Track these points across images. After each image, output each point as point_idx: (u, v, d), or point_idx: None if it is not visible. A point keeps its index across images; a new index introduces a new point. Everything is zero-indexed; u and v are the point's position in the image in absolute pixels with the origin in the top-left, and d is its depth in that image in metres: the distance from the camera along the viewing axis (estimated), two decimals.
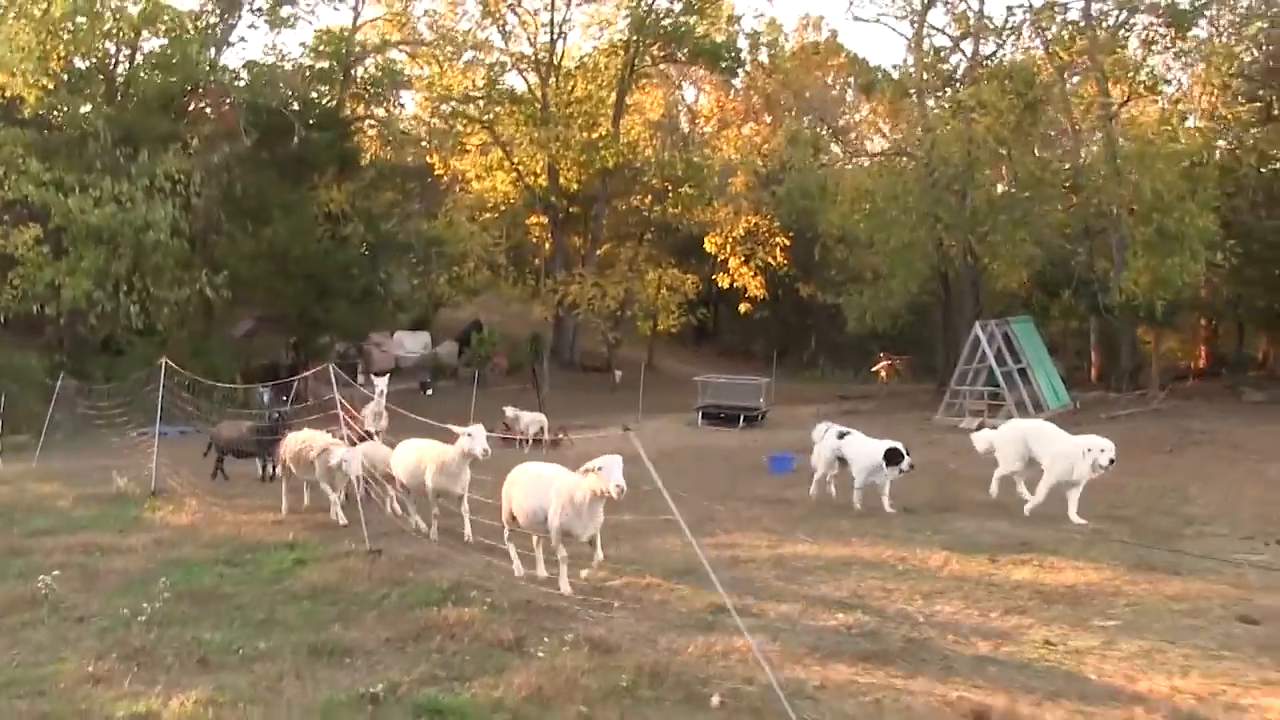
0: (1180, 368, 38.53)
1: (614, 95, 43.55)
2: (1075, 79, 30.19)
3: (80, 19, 30.03)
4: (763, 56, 48.44)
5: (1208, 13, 28.50)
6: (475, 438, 9.79)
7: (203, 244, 32.56)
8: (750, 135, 51.43)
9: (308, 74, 38.22)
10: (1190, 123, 29.08)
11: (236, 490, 14.50)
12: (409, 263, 39.30)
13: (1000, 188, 27.92)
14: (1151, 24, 29.07)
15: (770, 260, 44.25)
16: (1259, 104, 27.75)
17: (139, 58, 34.07)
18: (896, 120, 37.24)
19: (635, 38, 41.80)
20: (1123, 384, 30.15)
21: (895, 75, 33.45)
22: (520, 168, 43.30)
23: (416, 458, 10.61)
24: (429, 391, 34.19)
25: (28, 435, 22.04)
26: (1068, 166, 28.82)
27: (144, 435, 16.42)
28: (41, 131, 30.06)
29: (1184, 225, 24.92)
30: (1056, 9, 29.43)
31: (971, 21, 31.97)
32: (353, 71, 39.85)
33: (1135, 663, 6.43)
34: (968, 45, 32.38)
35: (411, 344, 41.51)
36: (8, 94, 28.84)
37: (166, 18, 33.10)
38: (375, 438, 14.25)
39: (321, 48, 38.52)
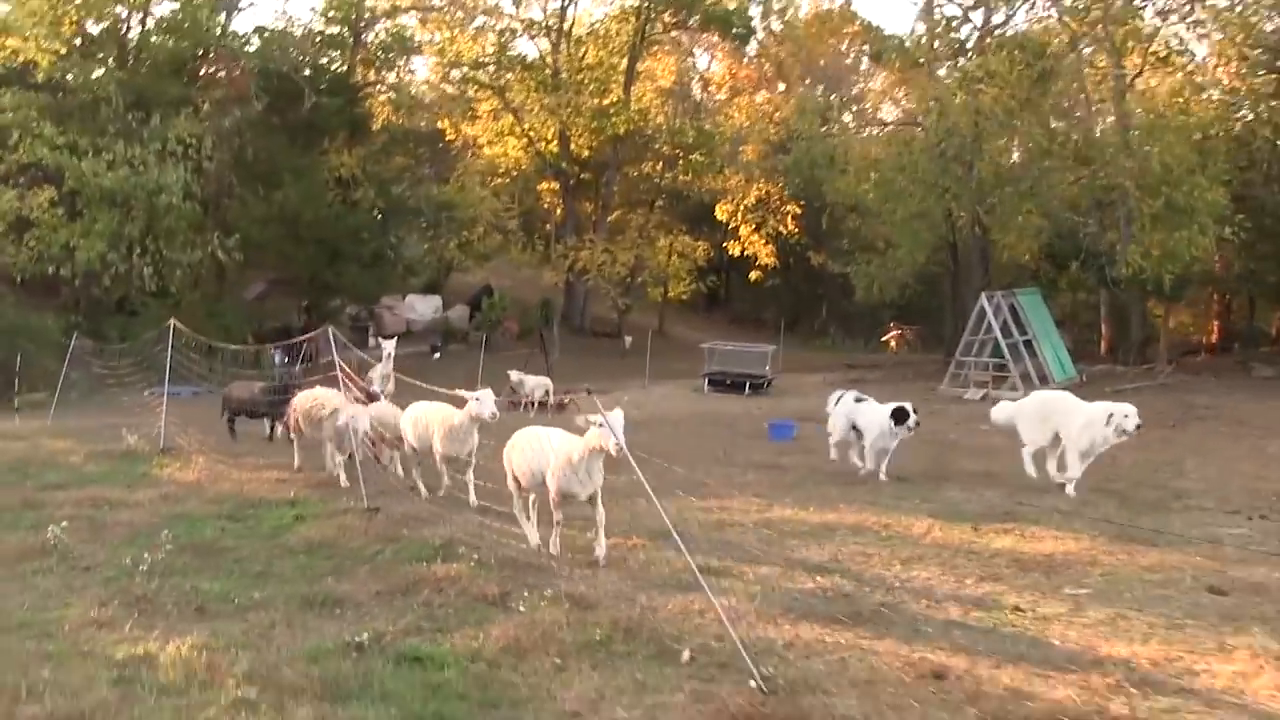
0: (1192, 342, 38.54)
1: (625, 61, 43.43)
2: (1089, 50, 30.00)
3: None
4: (775, 24, 48.21)
5: None
6: (484, 402, 9.86)
7: (214, 207, 32.83)
8: (762, 103, 51.25)
9: (318, 39, 38.30)
10: (1207, 95, 28.81)
11: (244, 449, 14.78)
12: (419, 227, 39.49)
13: (1010, 159, 27.82)
14: None
15: (781, 229, 44.21)
16: (1276, 75, 27.51)
17: (150, 22, 34.20)
18: (907, 90, 37.07)
19: (646, 3, 41.61)
20: (1130, 358, 30.24)
21: (907, 44, 33.21)
22: (531, 134, 43.31)
23: (425, 421, 10.69)
24: (437, 355, 34.45)
25: (44, 393, 22.40)
26: (1076, 139, 28.71)
27: (155, 394, 16.69)
28: (55, 95, 30.36)
29: (1193, 199, 24.88)
30: None
31: None
32: (363, 37, 39.88)
33: (1100, 629, 6.62)
34: (979, 15, 32.17)
35: (423, 307, 41.74)
36: (21, 59, 29.12)
37: None
38: (382, 399, 14.48)
39: (332, 13, 38.54)
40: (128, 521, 9.75)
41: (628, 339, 38.89)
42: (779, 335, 37.20)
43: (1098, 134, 29.29)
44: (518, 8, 43.23)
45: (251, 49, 34.70)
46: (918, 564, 8.27)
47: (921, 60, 32.33)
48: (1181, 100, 28.00)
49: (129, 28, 33.93)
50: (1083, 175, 27.57)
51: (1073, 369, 27.71)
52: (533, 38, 43.94)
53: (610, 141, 42.52)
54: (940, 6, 33.10)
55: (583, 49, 43.48)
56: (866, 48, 47.28)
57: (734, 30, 43.66)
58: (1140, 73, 30.36)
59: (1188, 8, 28.59)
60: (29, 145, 27.85)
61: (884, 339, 41.58)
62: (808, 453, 15.88)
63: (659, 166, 45.38)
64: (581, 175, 44.85)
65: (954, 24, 33.31)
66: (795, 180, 36.70)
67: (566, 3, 43.01)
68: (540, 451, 8.47)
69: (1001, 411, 12.86)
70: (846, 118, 43.83)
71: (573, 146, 43.27)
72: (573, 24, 43.66)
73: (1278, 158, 28.33)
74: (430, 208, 39.00)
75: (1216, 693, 5.54)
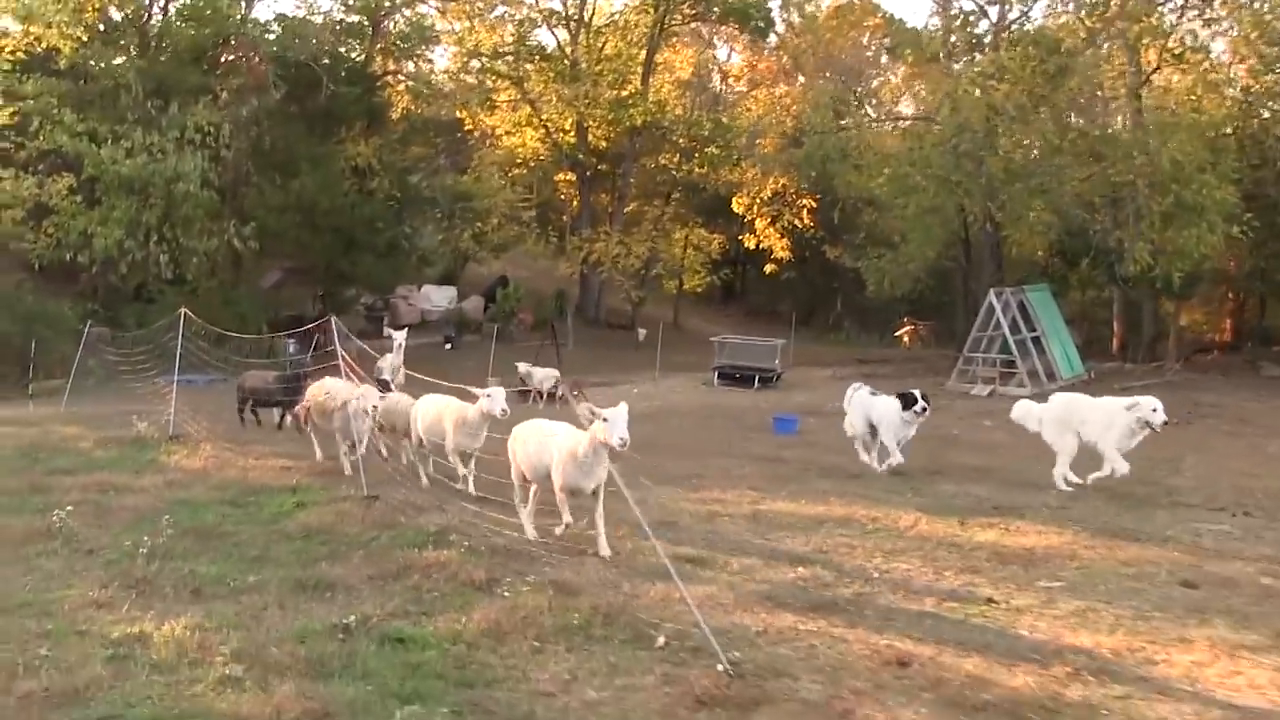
0: (1204, 340, 38.49)
1: (644, 53, 43.54)
2: (1105, 46, 29.98)
3: None
4: (795, 17, 48.16)
5: None
6: (495, 398, 9.85)
7: (232, 195, 33.08)
8: (780, 96, 51.19)
9: (337, 28, 38.51)
10: (1221, 93, 28.79)
11: (252, 437, 15.03)
12: (434, 218, 39.72)
13: (1021, 155, 27.83)
14: None
15: (797, 222, 44.24)
16: None
17: (172, 9, 34.48)
18: (922, 85, 37.09)
19: None
20: (1140, 355, 30.26)
21: (923, 39, 33.22)
22: (549, 124, 43.49)
23: (436, 414, 10.75)
24: (448, 346, 34.71)
25: (60, 380, 22.68)
26: (1089, 135, 28.71)
27: (167, 382, 16.95)
28: (76, 83, 30.63)
29: (1202, 197, 24.89)
30: None
31: None
32: (382, 26, 40.09)
33: (1069, 621, 6.79)
34: (995, 10, 32.19)
35: (438, 298, 42.00)
36: (43, 45, 29.42)
37: None
38: (392, 389, 14.69)
39: (351, 2, 38.76)
40: (132, 506, 10.00)
41: (641, 331, 39.00)
42: (791, 329, 37.30)
43: (1110, 131, 29.27)
44: None
45: (271, 37, 34.97)
46: (900, 556, 8.44)
47: (938, 55, 32.32)
48: (1194, 98, 27.98)
49: (150, 15, 34.26)
50: (1094, 172, 27.57)
51: (1081, 366, 27.77)
52: (552, 28, 44.15)
53: (627, 133, 42.58)
54: (957, 1, 33.23)
55: (602, 40, 43.59)
56: (887, 41, 47.22)
57: (753, 23, 43.70)
58: (1157, 68, 30.35)
59: (1204, 3, 28.55)
60: (49, 132, 28.17)
61: (898, 334, 41.62)
62: (810, 446, 16.06)
63: (676, 158, 45.42)
64: (598, 166, 44.93)
65: (971, 19, 33.41)
66: (809, 174, 36.71)
67: None
68: (544, 446, 8.49)
69: (1021, 409, 12.69)
70: (868, 110, 43.71)
71: (590, 138, 43.37)
72: (593, 14, 43.80)
73: None
74: (446, 198, 39.25)
75: (1171, 681, 5.72)
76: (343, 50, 38.31)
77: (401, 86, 42.79)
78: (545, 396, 23.00)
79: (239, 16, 34.11)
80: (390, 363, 19.77)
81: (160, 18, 34.22)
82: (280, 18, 36.57)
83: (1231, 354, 34.10)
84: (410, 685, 5.40)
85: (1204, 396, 24.52)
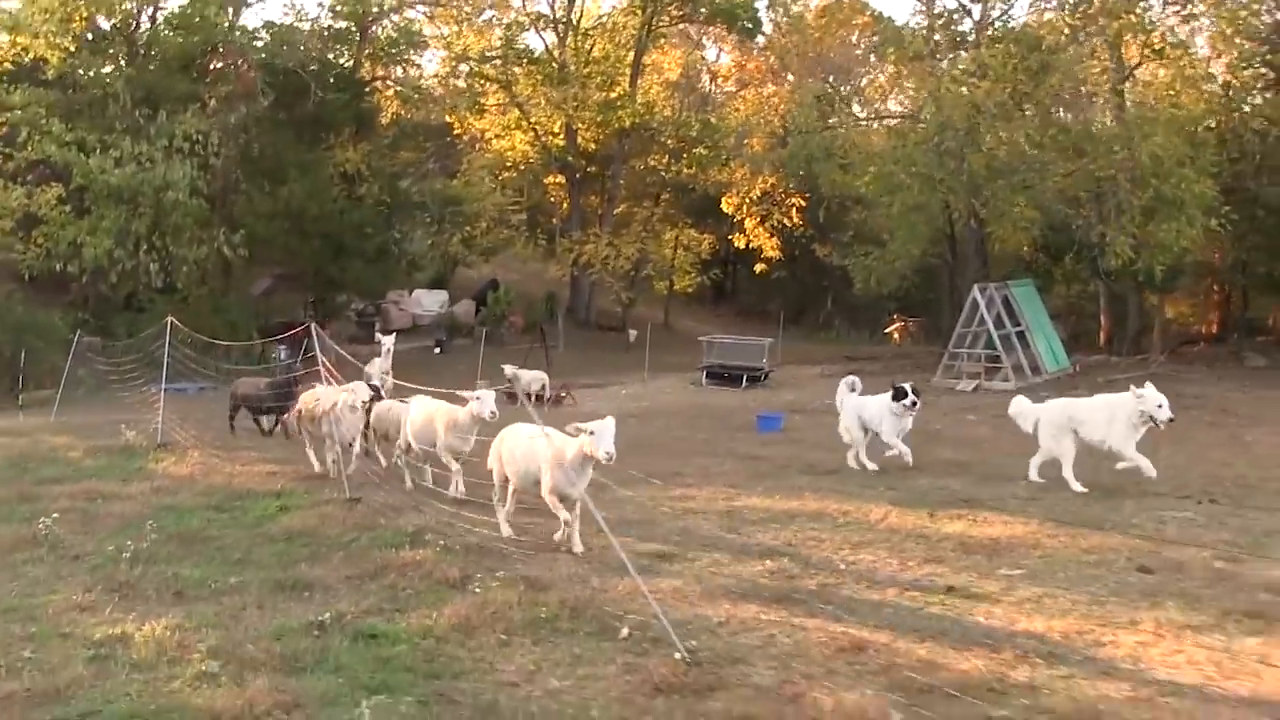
0: (1192, 333, 38.75)
1: (632, 55, 43.77)
2: (1088, 43, 30.20)
3: None
4: (781, 17, 48.27)
5: None
6: (484, 401, 9.91)
7: (221, 203, 33.30)
8: (769, 96, 51.39)
9: (325, 34, 38.71)
10: (1198, 89, 29.06)
11: (239, 443, 15.24)
12: (423, 222, 39.93)
13: (1002, 152, 28.04)
14: None
15: (786, 221, 44.45)
16: (1264, 70, 27.78)
17: (160, 18, 34.69)
18: (906, 83, 37.31)
19: None
20: (1125, 348, 30.51)
21: (905, 37, 33.42)
22: (538, 127, 43.69)
23: (427, 417, 10.85)
24: (437, 350, 34.92)
25: (51, 390, 22.85)
26: (1069, 131, 28.94)
27: (156, 391, 17.13)
28: (64, 92, 30.83)
29: (1181, 191, 25.13)
30: None
31: None
32: (370, 32, 40.28)
33: (1024, 607, 6.99)
34: (978, 8, 32.43)
35: (429, 302, 42.24)
36: (31, 55, 29.60)
37: None
38: (383, 395, 14.84)
39: (339, 8, 38.95)
40: (119, 513, 10.20)
41: (632, 332, 39.21)
42: (779, 328, 37.51)
43: (1093, 128, 29.49)
44: (524, 1, 43.72)
45: (260, 45, 35.19)
46: (867, 548, 8.63)
47: (921, 53, 32.51)
48: (1173, 93, 28.23)
49: (139, 24, 34.46)
50: (1076, 168, 27.81)
51: (1066, 360, 27.97)
52: (540, 31, 44.33)
53: (616, 135, 42.86)
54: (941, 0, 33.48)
55: (590, 42, 43.81)
56: (876, 39, 47.35)
57: (740, 23, 43.90)
58: (1139, 64, 30.60)
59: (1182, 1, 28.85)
60: (37, 142, 28.41)
61: (888, 331, 41.87)
62: (792, 443, 16.24)
63: (665, 159, 45.66)
64: (588, 169, 45.16)
65: (955, 17, 33.66)
66: (796, 173, 36.91)
67: None
68: (530, 452, 8.61)
69: (1017, 406, 12.39)
70: (856, 109, 43.86)
71: (579, 140, 43.58)
72: (580, 17, 44.00)
73: (1267, 150, 28.54)
74: (435, 202, 39.48)
75: (1115, 661, 5.92)
76: (331, 57, 38.63)
77: (390, 92, 43.00)
78: (534, 399, 23.18)
79: (227, 24, 34.37)
80: (378, 367, 19.97)
81: (148, 26, 34.45)
82: (268, 25, 36.94)
83: (1217, 346, 34.33)
84: (380, 678, 5.61)
85: (1188, 388, 24.67)
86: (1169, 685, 5.53)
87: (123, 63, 32.87)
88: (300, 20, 38.40)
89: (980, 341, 26.94)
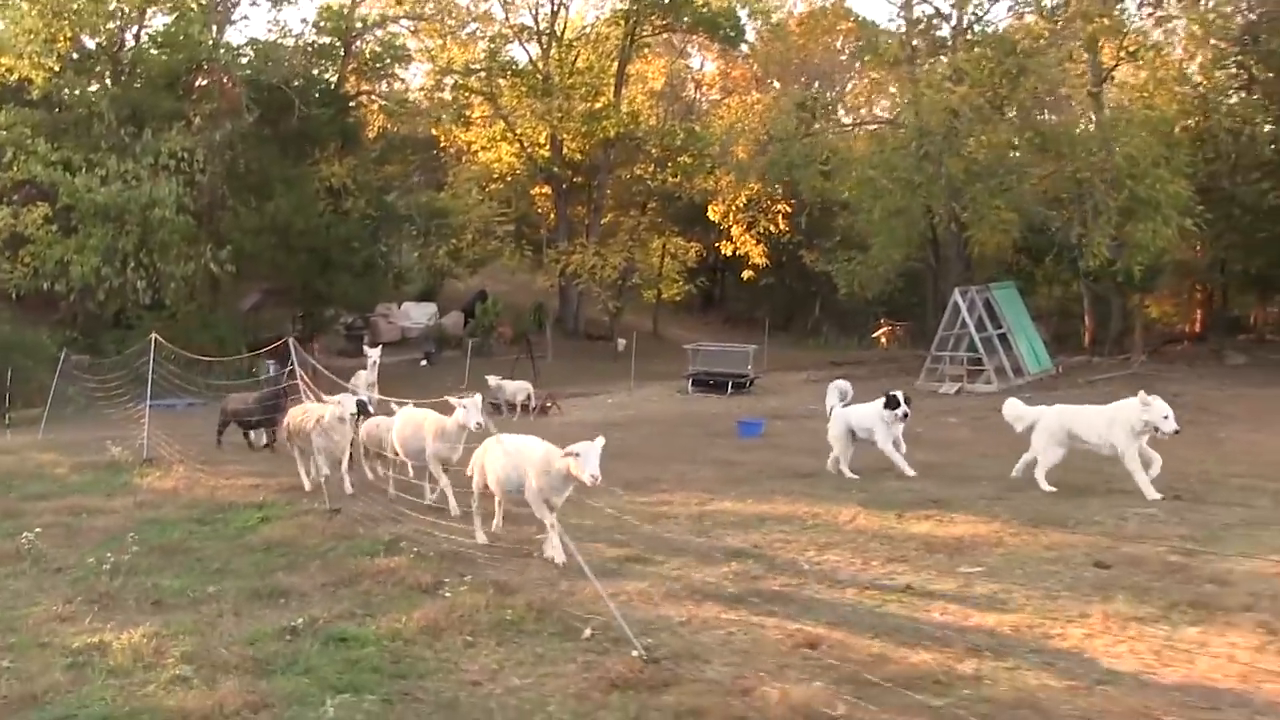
0: (1175, 332, 39.09)
1: (616, 65, 44.04)
2: (1066, 46, 30.51)
3: (83, 1, 30.70)
4: (763, 26, 48.57)
5: None
6: (470, 411, 9.92)
7: (207, 220, 33.47)
8: (753, 104, 51.66)
9: (309, 50, 38.94)
10: (1171, 90, 29.43)
11: (224, 457, 15.42)
12: (410, 235, 40.14)
13: (981, 155, 28.35)
14: None
15: (773, 228, 44.70)
16: (1237, 71, 28.15)
17: (144, 36, 34.90)
18: (885, 89, 37.65)
19: (635, 6, 42.19)
20: (1107, 348, 30.78)
21: (881, 43, 33.76)
22: (523, 139, 43.94)
23: (414, 426, 10.90)
24: (423, 362, 35.13)
25: (40, 409, 22.98)
26: (1045, 134, 29.25)
27: (142, 407, 17.27)
28: (49, 112, 31.01)
29: (1155, 191, 25.46)
30: None
31: None
32: (354, 47, 40.53)
33: (979, 603, 7.18)
34: (955, 14, 32.72)
35: (418, 314, 42.46)
36: (16, 76, 29.77)
37: None
38: (370, 409, 14.93)
39: (323, 23, 39.20)
40: (102, 527, 10.37)
41: (620, 341, 39.39)
42: (765, 334, 37.77)
43: (1067, 130, 29.81)
44: (508, 14, 43.98)
45: (244, 61, 35.39)
46: (833, 549, 8.83)
47: (897, 59, 32.82)
48: (1146, 95, 28.58)
49: (123, 43, 34.66)
50: (1054, 170, 28.14)
51: (1048, 361, 28.27)
52: (524, 43, 44.57)
53: (601, 145, 43.16)
54: (919, 4, 33.78)
55: (573, 53, 44.09)
56: (862, 44, 47.60)
57: (722, 31, 44.22)
58: (1116, 66, 30.94)
59: (1155, 4, 29.19)
60: (23, 162, 28.55)
61: (875, 335, 42.13)
62: (772, 449, 16.46)
63: (650, 168, 45.94)
64: (574, 179, 45.44)
65: (934, 22, 33.96)
66: (779, 179, 37.16)
67: (557, 8, 43.65)
68: (516, 460, 8.64)
69: (1011, 409, 12.37)
70: (841, 115, 44.16)
71: (565, 150, 43.89)
72: (564, 28, 44.28)
73: (1241, 149, 28.90)
74: (422, 215, 39.70)
75: (1061, 653, 6.12)
76: (315, 72, 38.85)
77: (375, 106, 43.24)
78: (519, 409, 23.38)
79: (211, 42, 34.55)
80: (364, 379, 20.16)
81: (133, 45, 34.65)
82: (253, 42, 37.18)
83: (1199, 344, 34.67)
84: (347, 678, 5.81)
85: (1168, 387, 24.88)
86: (1108, 674, 5.74)
87: (108, 81, 33.08)
88: (284, 36, 38.68)
89: (963, 344, 27.24)
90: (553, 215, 47.26)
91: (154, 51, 34.55)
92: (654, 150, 44.61)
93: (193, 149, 30.88)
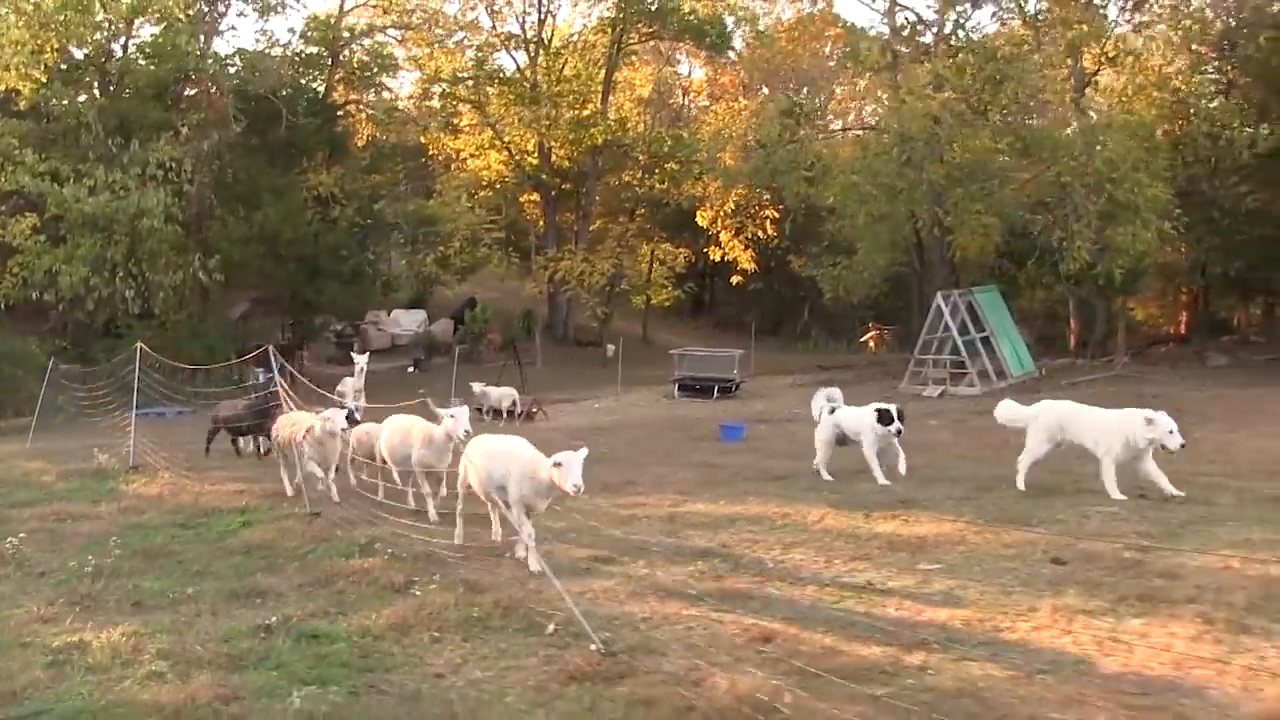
0: (1160, 334, 39.41)
1: (603, 72, 44.32)
2: (1047, 51, 30.84)
3: (70, 12, 30.84)
4: (749, 33, 48.88)
5: None
6: (458, 419, 9.91)
7: (196, 229, 33.67)
8: (740, 110, 51.97)
9: (297, 60, 39.15)
10: (1150, 94, 29.79)
11: (210, 464, 15.61)
12: (398, 243, 40.35)
13: (963, 160, 28.64)
14: None
15: (760, 233, 44.99)
16: (1215, 76, 28.51)
17: (132, 47, 35.08)
18: (869, 94, 37.97)
19: (621, 14, 42.48)
20: (1090, 351, 31.06)
21: (863, 50, 34.06)
22: (511, 146, 44.20)
23: (402, 434, 11.03)
24: (411, 370, 35.34)
25: (29, 418, 23.11)
26: (1025, 138, 29.54)
27: (141, 415, 17.43)
28: (37, 123, 31.15)
29: (1134, 195, 25.75)
30: None
31: None
32: (341, 56, 40.75)
33: (933, 599, 7.40)
34: (937, 21, 33.06)
35: (407, 322, 42.71)
36: (3, 87, 29.89)
37: (157, 7, 33.93)
38: (358, 418, 15.09)
39: (310, 33, 39.42)
40: (86, 532, 10.56)
41: (609, 347, 39.63)
42: (764, 339, 38.03)
43: (1054, 134, 30.11)
44: (495, 23, 44.25)
45: (232, 71, 35.57)
46: (798, 548, 9.04)
47: (880, 66, 33.12)
48: (1125, 99, 28.91)
49: (111, 54, 34.83)
50: (1034, 174, 28.45)
51: (1031, 364, 28.52)
52: (511, 52, 44.85)
53: (589, 152, 43.42)
54: (902, 11, 34.13)
55: (561, 61, 44.39)
56: (848, 50, 47.83)
57: (708, 39, 44.50)
58: (1097, 71, 31.29)
59: (1134, 10, 29.55)
60: (10, 173, 28.65)
61: (863, 339, 42.41)
62: (752, 452, 16.67)
63: (638, 175, 46.20)
64: (562, 186, 45.75)
65: (917, 29, 34.28)
66: (765, 185, 37.45)
67: (544, 16, 43.96)
68: (499, 461, 8.72)
69: (1005, 410, 12.41)
70: (829, 120, 44.45)
71: (553, 158, 44.18)
72: (551, 36, 44.56)
73: (1220, 153, 29.24)
74: (410, 223, 39.93)
75: (1008, 645, 6.34)
76: (303, 82, 39.00)
77: (363, 115, 43.46)
78: (505, 415, 23.59)
79: (199, 52, 34.67)
80: (351, 386, 20.40)
81: (120, 56, 34.80)
82: (240, 52, 37.31)
83: (1183, 346, 34.97)
84: (316, 672, 6.04)
85: (1149, 388, 25.20)
86: (1049, 664, 5.95)
87: (95, 92, 33.26)
88: (272, 46, 38.87)
89: (946, 347, 27.48)
90: (541, 222, 47.55)
91: (141, 62, 34.70)
92: (642, 157, 44.90)
93: (181, 159, 31.03)
